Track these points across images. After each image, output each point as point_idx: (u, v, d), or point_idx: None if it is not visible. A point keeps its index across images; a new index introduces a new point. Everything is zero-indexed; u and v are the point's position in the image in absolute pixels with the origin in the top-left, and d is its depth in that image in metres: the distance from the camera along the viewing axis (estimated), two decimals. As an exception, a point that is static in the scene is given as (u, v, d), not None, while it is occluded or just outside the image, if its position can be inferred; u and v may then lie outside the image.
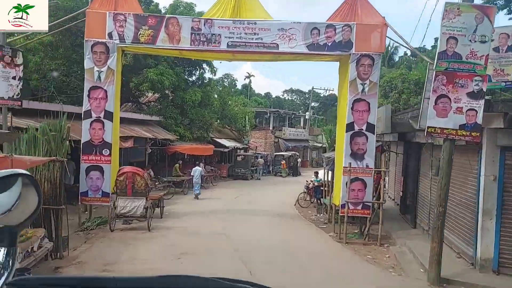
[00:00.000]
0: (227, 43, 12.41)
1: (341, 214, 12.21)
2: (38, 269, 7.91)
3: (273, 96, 76.68)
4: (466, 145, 9.23)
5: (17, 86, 10.90)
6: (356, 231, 12.81)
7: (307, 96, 74.31)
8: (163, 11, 23.53)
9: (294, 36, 12.38)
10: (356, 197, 12.23)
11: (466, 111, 8.46)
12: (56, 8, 16.89)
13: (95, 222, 12.42)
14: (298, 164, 38.15)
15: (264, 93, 75.88)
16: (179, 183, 21.20)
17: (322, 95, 66.98)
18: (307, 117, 52.79)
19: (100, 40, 12.23)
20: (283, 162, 35.95)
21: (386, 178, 16.74)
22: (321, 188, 17.44)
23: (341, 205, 12.26)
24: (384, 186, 14.24)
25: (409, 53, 31.73)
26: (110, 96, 12.37)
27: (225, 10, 12.81)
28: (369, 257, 10.53)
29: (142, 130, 19.97)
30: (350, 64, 12.32)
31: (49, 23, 15.81)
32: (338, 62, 13.65)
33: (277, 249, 10.65)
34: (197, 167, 20.83)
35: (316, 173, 20.59)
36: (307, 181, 20.32)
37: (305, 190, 19.16)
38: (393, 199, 18.60)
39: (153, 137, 20.33)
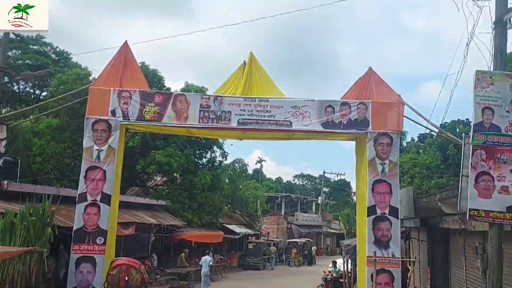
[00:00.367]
0: (238, 121, 11.75)
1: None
2: None
3: (284, 181, 76.07)
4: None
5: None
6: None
7: (317, 181, 73.84)
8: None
9: (308, 114, 11.79)
10: (384, 292, 10.65)
11: (513, 191, 7.41)
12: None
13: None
14: (313, 252, 36.74)
15: (275, 178, 75.44)
16: (185, 275, 19.47)
17: (332, 180, 66.29)
18: (319, 202, 51.81)
19: (102, 117, 11.61)
20: (294, 250, 34.58)
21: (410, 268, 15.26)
22: (341, 280, 16.25)
23: (368, 302, 10.61)
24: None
25: (416, 138, 31.53)
26: (109, 177, 11.42)
27: (236, 88, 12.41)
28: None
29: (146, 215, 18.82)
30: (368, 142, 11.60)
31: (57, 106, 15.93)
32: (354, 142, 12.93)
33: None
34: (206, 256, 19.28)
35: (334, 263, 19.40)
36: (324, 272, 19.03)
37: (323, 283, 17.79)
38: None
39: (158, 223, 19.08)
